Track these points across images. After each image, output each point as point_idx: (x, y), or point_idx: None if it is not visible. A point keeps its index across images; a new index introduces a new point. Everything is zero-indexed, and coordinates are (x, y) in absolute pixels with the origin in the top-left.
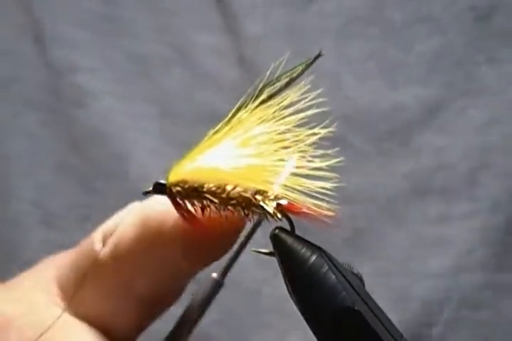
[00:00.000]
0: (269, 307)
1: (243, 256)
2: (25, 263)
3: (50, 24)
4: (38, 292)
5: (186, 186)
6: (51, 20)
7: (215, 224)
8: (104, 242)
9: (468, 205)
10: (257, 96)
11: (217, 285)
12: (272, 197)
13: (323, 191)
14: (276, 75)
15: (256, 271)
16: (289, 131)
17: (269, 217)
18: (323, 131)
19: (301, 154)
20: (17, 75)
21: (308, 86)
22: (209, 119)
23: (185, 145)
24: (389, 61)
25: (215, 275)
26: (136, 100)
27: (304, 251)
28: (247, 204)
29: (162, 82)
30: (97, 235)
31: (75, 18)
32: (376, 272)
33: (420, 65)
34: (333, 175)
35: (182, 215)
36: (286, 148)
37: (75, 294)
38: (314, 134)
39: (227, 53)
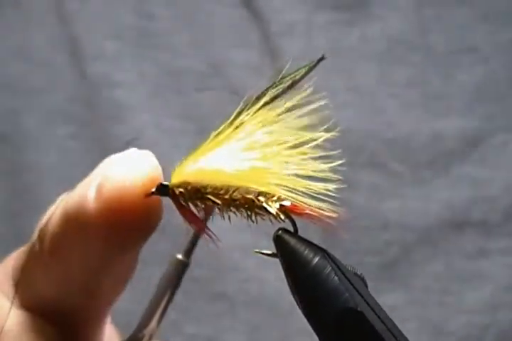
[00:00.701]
0: (301, 329)
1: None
2: None
3: (87, 37)
4: None
5: (189, 187)
6: (88, 34)
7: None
8: (38, 237)
9: (506, 240)
10: (260, 98)
11: (183, 265)
12: (275, 198)
13: (327, 192)
14: (279, 77)
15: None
16: (292, 132)
17: (272, 218)
18: (326, 134)
19: (304, 156)
20: (51, 87)
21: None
22: None
23: None
24: (431, 89)
25: (179, 256)
26: (170, 115)
27: (306, 252)
28: (250, 206)
29: (197, 98)
30: (35, 231)
31: (111, 31)
32: (410, 302)
33: (462, 95)
34: (336, 176)
35: (185, 216)
36: (289, 149)
37: (17, 287)
38: (318, 136)
39: (263, 71)
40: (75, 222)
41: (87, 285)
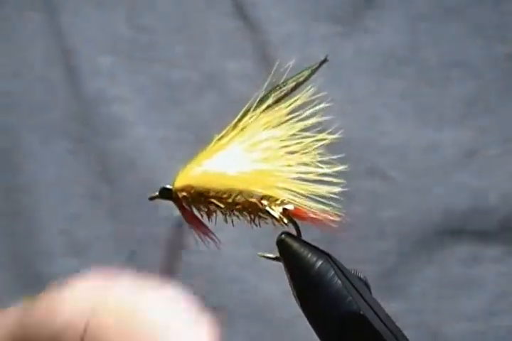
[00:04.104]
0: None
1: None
2: None
3: (81, 52)
4: None
5: (192, 191)
6: (82, 49)
7: None
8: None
9: (501, 248)
10: (263, 101)
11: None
12: (279, 202)
13: (330, 195)
14: (282, 80)
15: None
16: (295, 135)
17: (275, 221)
18: (330, 137)
19: (307, 159)
20: (47, 103)
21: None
22: None
23: None
24: (424, 101)
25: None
26: (168, 127)
27: (310, 256)
28: (254, 209)
29: (194, 109)
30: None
31: (105, 46)
32: (408, 310)
33: (454, 108)
34: (340, 180)
35: (188, 220)
36: (292, 153)
37: None
38: (321, 139)
39: (260, 81)
40: None
41: None
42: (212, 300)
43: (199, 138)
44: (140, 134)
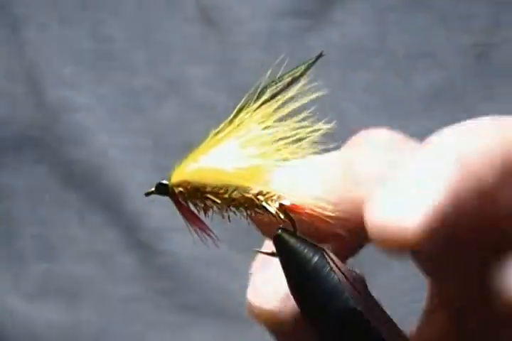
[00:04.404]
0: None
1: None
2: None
3: (45, 64)
4: None
5: (188, 187)
6: (43, 59)
7: None
8: None
9: None
10: (259, 97)
11: None
12: (275, 197)
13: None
14: (278, 75)
15: None
16: (291, 130)
17: (271, 217)
18: (324, 127)
19: (302, 153)
20: (11, 115)
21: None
22: None
23: None
24: (390, 94)
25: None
26: (130, 134)
27: (306, 251)
28: (250, 205)
29: (155, 115)
30: None
31: (68, 56)
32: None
33: (420, 99)
34: None
35: (184, 216)
36: (288, 147)
37: None
38: (316, 131)
39: (222, 84)
40: None
41: None
42: (178, 300)
43: (161, 145)
44: (103, 141)
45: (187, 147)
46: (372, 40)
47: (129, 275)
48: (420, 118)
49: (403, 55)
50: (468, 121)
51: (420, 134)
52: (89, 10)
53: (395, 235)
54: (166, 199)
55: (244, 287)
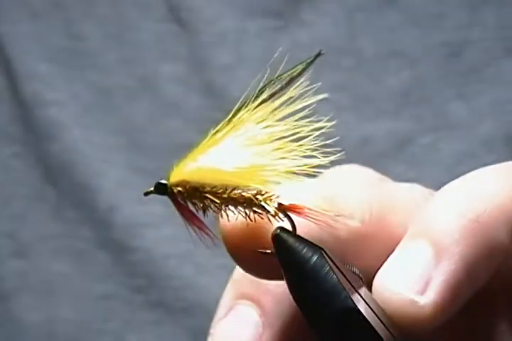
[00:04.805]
0: None
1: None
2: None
3: (19, 60)
4: None
5: (187, 186)
6: (19, 56)
7: None
8: None
9: None
10: (258, 96)
11: None
12: (274, 196)
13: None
14: (277, 74)
15: None
16: (289, 129)
17: (270, 216)
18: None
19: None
20: None
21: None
22: (175, 149)
23: (152, 175)
24: (361, 93)
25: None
26: (102, 131)
27: (305, 251)
28: (249, 204)
29: (128, 113)
30: None
31: (42, 53)
32: None
33: (391, 98)
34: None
35: (183, 215)
36: (286, 147)
37: None
38: (315, 130)
39: (193, 83)
40: None
41: None
42: (152, 297)
43: (133, 142)
44: (75, 137)
45: (159, 145)
46: (341, 40)
47: (103, 273)
48: (391, 118)
49: (373, 54)
50: (474, 174)
51: (391, 131)
52: (63, 9)
53: (411, 314)
54: (139, 195)
55: (215, 282)
